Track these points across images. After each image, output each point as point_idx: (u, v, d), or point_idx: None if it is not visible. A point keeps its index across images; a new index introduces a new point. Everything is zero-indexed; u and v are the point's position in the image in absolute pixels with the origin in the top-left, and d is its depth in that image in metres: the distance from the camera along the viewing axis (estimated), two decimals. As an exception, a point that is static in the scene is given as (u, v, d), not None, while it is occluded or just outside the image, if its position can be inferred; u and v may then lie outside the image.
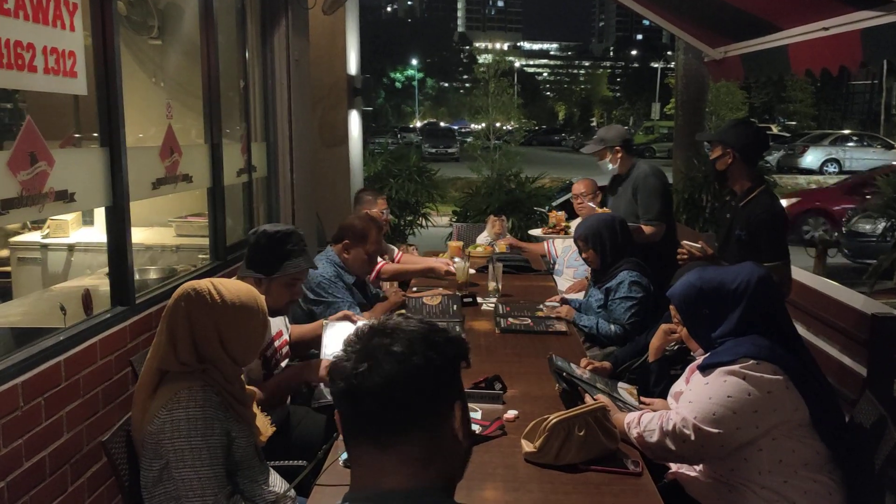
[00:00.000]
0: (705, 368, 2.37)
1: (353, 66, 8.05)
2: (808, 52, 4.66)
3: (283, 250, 2.88)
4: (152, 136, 4.61)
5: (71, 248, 4.81)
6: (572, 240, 5.19)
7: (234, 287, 2.24)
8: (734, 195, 3.90)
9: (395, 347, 1.24)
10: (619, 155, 4.81)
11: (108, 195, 3.15)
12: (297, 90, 5.67)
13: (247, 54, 5.16)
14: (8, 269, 4.84)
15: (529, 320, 3.97)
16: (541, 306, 4.20)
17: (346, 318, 3.30)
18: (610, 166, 4.87)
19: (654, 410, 2.80)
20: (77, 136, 4.22)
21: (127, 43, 5.39)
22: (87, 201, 3.06)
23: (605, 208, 5.09)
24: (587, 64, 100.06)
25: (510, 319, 3.95)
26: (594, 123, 78.66)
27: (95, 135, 5.21)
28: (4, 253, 4.90)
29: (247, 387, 2.33)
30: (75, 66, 2.86)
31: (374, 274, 4.52)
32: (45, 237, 4.81)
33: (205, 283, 2.20)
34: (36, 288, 4.64)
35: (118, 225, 3.23)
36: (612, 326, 3.95)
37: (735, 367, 2.29)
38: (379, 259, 4.95)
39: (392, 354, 1.23)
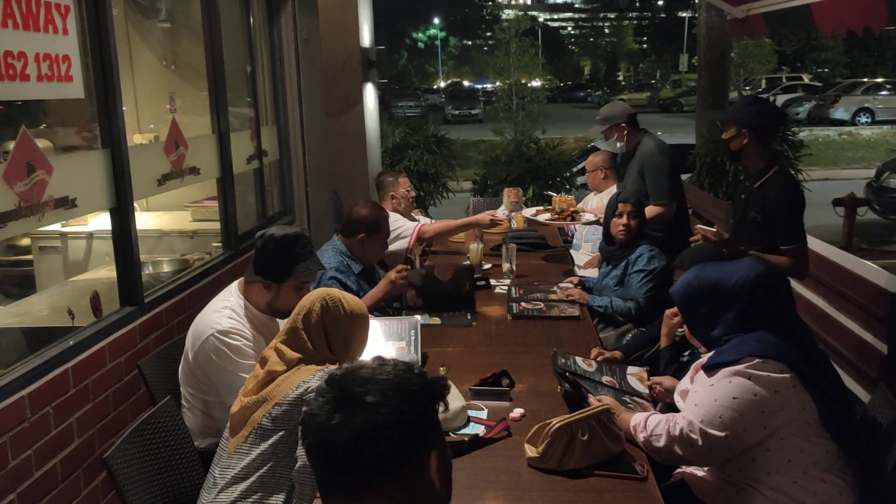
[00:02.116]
0: (710, 368, 2.31)
1: (366, 39, 7.95)
2: (831, 12, 4.51)
3: (292, 254, 2.83)
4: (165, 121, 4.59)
5: (90, 235, 4.82)
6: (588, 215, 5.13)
7: (355, 301, 2.53)
8: (748, 175, 3.79)
9: (368, 398, 1.21)
10: (626, 132, 4.72)
11: (112, 197, 3.14)
12: (307, 70, 5.61)
13: (253, 38, 5.09)
14: (30, 257, 4.88)
15: (542, 304, 3.93)
16: (554, 288, 4.15)
17: None
18: (618, 144, 4.78)
19: (663, 388, 2.77)
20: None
21: (136, 27, 5.37)
22: (90, 206, 3.05)
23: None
24: (612, 16, 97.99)
25: (523, 304, 3.92)
26: (620, 78, 77.38)
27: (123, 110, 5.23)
28: (26, 242, 4.93)
29: None
30: (70, 70, 2.83)
31: (413, 237, 4.49)
32: (64, 226, 4.83)
33: (336, 295, 2.49)
34: (58, 278, 4.67)
35: (123, 225, 3.22)
36: (628, 303, 3.89)
37: (740, 367, 2.23)
38: (420, 220, 4.90)
39: (363, 407, 1.20)
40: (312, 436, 1.22)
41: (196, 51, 4.79)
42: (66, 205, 2.81)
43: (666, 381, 2.82)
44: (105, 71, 3.09)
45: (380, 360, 1.31)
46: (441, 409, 1.30)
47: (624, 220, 4.02)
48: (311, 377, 2.35)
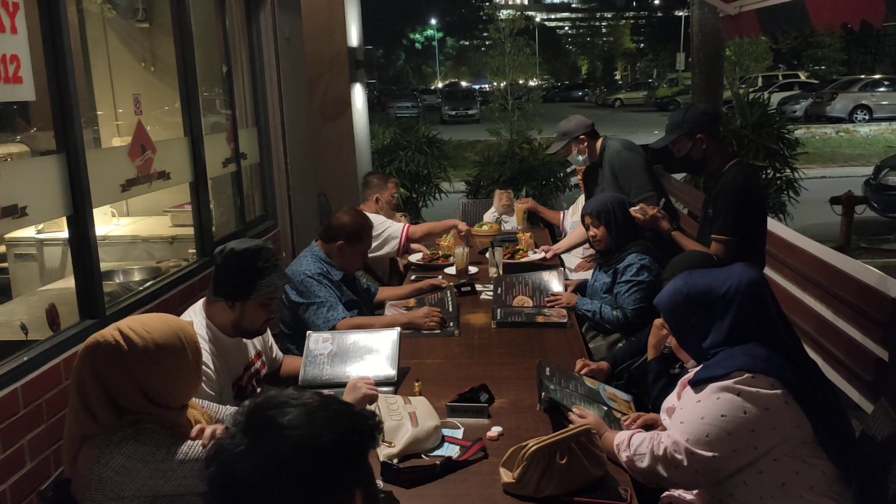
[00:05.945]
0: (697, 384, 2.15)
1: (354, 39, 7.79)
2: (827, 6, 4.38)
3: (253, 268, 2.63)
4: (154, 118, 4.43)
5: (67, 242, 4.68)
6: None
7: (149, 326, 1.90)
8: (711, 176, 3.72)
9: (281, 419, 1.09)
10: (585, 144, 4.57)
11: (68, 204, 2.97)
12: (288, 70, 5.45)
13: (229, 37, 4.92)
14: (5, 265, 4.74)
15: (529, 301, 3.80)
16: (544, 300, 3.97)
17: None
18: (580, 158, 4.62)
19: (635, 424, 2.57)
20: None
21: (113, 28, 5.21)
22: (42, 214, 2.89)
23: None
24: (609, 15, 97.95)
25: (507, 308, 3.75)
26: (617, 77, 77.29)
27: (100, 112, 5.07)
28: (1, 249, 4.79)
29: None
30: (19, 71, 2.67)
31: (403, 238, 4.50)
32: (39, 232, 4.69)
33: (109, 332, 1.87)
34: (34, 285, 4.53)
35: (81, 234, 3.06)
36: (616, 312, 3.73)
37: (728, 383, 2.07)
38: (402, 221, 4.81)
39: (274, 431, 1.07)
40: (215, 464, 1.07)
41: (173, 51, 4.64)
42: (14, 213, 2.65)
43: (642, 420, 2.55)
44: (59, 71, 2.92)
45: (296, 390, 1.16)
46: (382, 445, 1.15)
47: (591, 231, 3.90)
48: (102, 454, 1.82)
